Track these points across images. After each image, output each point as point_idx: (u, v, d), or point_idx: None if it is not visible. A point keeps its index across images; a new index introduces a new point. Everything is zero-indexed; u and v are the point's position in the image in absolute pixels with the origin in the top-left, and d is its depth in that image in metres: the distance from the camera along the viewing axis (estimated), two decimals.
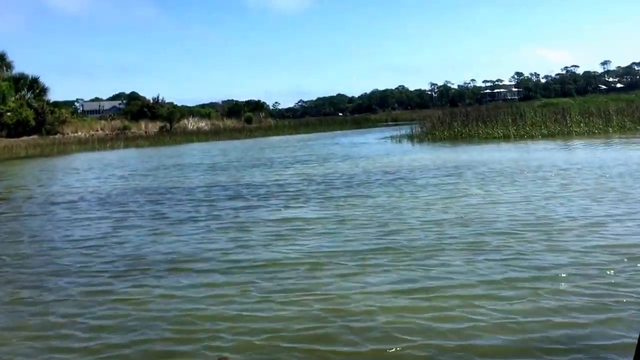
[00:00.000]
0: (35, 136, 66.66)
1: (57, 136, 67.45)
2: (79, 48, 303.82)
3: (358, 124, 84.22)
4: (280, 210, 13.94)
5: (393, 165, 23.33)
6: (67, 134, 69.31)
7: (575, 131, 35.60)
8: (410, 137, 42.13)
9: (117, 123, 77.38)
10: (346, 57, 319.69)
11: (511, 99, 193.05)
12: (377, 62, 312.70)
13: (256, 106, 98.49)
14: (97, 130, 73.56)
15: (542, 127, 37.34)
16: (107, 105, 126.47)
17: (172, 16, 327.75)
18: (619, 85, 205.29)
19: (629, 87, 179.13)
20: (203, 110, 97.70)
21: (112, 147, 59.75)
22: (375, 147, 36.25)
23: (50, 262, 9.91)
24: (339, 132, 71.64)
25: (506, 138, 35.86)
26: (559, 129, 36.40)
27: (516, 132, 36.93)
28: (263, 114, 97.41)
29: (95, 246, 10.96)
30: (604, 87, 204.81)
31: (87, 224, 13.57)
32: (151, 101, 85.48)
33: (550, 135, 35.09)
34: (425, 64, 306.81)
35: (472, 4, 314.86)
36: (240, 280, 8.20)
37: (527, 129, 37.46)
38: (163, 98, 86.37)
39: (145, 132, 75.23)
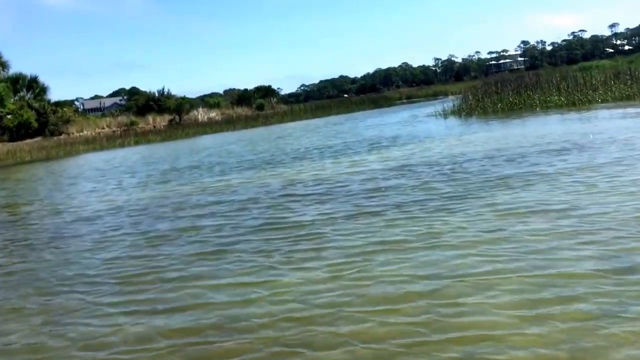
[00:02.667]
0: (38, 138, 62.51)
1: (61, 137, 63.28)
2: (71, 46, 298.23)
3: (376, 103, 79.83)
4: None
5: (486, 146, 18.32)
6: (72, 133, 65.14)
7: None
8: (456, 112, 37.80)
9: (124, 119, 73.12)
10: (347, 38, 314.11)
11: (517, 68, 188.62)
12: (378, 41, 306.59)
13: (267, 92, 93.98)
14: (103, 128, 69.34)
15: (608, 91, 33.13)
16: (108, 102, 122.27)
17: (163, 7, 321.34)
18: (627, 47, 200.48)
19: (637, 49, 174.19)
20: (212, 100, 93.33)
21: (122, 145, 55.72)
22: (427, 126, 31.85)
23: None
24: (358, 113, 67.46)
25: (571, 105, 31.69)
26: (628, 92, 32.11)
27: (583, 97, 32.69)
28: (275, 99, 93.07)
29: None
30: (611, 50, 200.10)
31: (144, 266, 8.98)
32: (157, 94, 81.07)
33: (627, 98, 30.84)
34: (428, 39, 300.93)
35: None
36: None
37: (591, 93, 33.24)
38: (169, 90, 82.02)
39: (154, 126, 71.04)
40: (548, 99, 33.70)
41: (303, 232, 9.51)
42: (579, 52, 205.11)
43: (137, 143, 56.60)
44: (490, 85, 41.97)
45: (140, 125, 70.18)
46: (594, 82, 34.82)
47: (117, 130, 67.15)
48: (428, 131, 27.78)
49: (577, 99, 32.43)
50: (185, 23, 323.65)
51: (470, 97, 40.42)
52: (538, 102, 34.03)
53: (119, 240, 10.75)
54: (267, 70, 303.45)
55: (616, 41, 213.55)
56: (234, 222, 11.05)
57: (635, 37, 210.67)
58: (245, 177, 18.18)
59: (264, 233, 9.81)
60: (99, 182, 22.66)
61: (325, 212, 10.87)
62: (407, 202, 10.87)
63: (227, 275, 7.70)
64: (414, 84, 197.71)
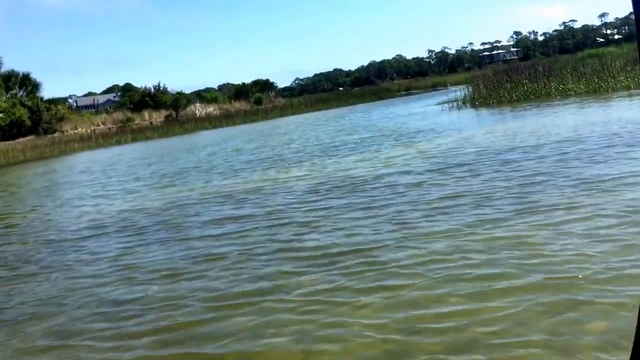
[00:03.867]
0: (32, 137, 60.69)
1: (55, 135, 61.50)
2: (63, 43, 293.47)
3: (377, 95, 78.33)
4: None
5: (525, 139, 16.50)
6: (67, 131, 63.25)
7: None
8: (469, 102, 36.38)
9: (119, 115, 71.20)
10: (340, 31, 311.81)
11: (510, 59, 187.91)
12: (372, 34, 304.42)
13: (265, 86, 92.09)
14: (99, 125, 67.45)
15: (629, 78, 31.79)
16: (102, 99, 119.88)
17: (155, 1, 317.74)
18: (617, 37, 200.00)
19: (627, 39, 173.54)
20: (209, 95, 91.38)
21: (119, 142, 54.23)
22: (448, 117, 30.33)
23: None
24: (360, 105, 66.03)
25: (592, 93, 30.34)
26: None
27: (604, 84, 31.31)
28: (273, 93, 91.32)
29: None
30: (602, 39, 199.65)
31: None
32: (152, 89, 79.19)
33: None
34: (422, 31, 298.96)
35: None
36: None
37: (612, 80, 31.88)
38: (165, 85, 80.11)
39: (150, 122, 69.22)
40: (568, 87, 32.33)
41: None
42: (571, 41, 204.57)
43: (134, 140, 55.10)
44: (502, 74, 40.66)
45: (136, 122, 68.37)
46: (612, 69, 33.46)
47: (113, 127, 65.38)
48: (454, 122, 26.27)
49: (599, 86, 31.05)
50: (177, 17, 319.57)
51: (481, 86, 39.00)
52: (555, 90, 32.69)
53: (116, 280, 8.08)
54: (260, 64, 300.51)
55: (606, 30, 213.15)
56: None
57: (624, 27, 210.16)
58: (307, 171, 16.73)
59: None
60: (94, 185, 20.81)
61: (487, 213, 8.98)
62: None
63: None
64: (409, 76, 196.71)
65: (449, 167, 13.27)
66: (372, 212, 9.75)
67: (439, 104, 40.47)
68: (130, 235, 10.85)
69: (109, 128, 65.28)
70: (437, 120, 28.18)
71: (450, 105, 36.62)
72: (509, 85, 35.35)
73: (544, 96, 32.33)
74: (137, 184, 19.22)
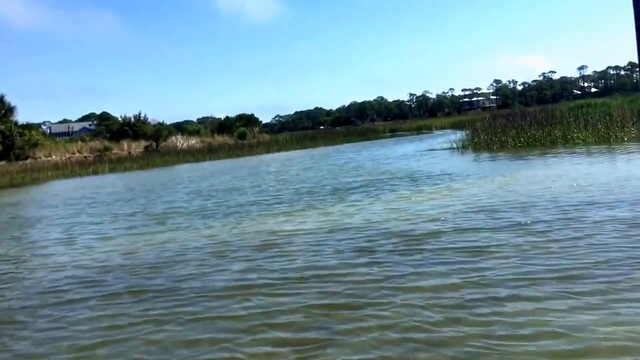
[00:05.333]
0: (3, 162, 57.83)
1: (28, 161, 58.74)
2: (38, 68, 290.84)
3: (364, 136, 76.72)
4: None
5: (564, 191, 14.45)
6: (40, 158, 60.55)
7: None
8: (470, 146, 34.75)
9: (96, 144, 68.74)
10: (322, 71, 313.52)
11: (489, 106, 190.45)
12: (354, 75, 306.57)
13: (249, 121, 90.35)
14: (74, 153, 64.83)
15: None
16: (77, 127, 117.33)
17: (137, 31, 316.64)
18: (593, 90, 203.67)
19: (603, 92, 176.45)
20: (191, 127, 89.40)
21: (96, 172, 51.37)
22: (452, 162, 28.31)
23: None
24: (347, 145, 64.22)
25: (602, 142, 28.94)
26: None
27: (615, 134, 30.05)
28: (257, 128, 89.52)
29: None
30: (578, 92, 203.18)
31: None
32: (132, 119, 76.93)
33: None
34: (404, 74, 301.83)
35: (446, 12, 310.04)
36: None
37: (619, 130, 30.70)
38: (146, 115, 77.96)
39: (129, 152, 66.83)
40: (575, 135, 30.97)
41: None
42: (549, 92, 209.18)
43: (112, 170, 52.46)
44: (501, 119, 39.52)
45: (114, 151, 65.93)
46: (619, 119, 32.32)
47: (90, 156, 62.85)
48: (461, 167, 24.15)
49: (608, 136, 29.77)
50: (156, 48, 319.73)
51: (480, 131, 37.52)
52: (562, 138, 31.38)
53: None
54: (240, 99, 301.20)
55: (584, 83, 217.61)
56: None
57: (601, 80, 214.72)
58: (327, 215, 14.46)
59: None
60: (62, 224, 17.60)
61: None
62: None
63: None
64: (389, 118, 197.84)
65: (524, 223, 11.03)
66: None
67: (430, 149, 38.69)
68: (91, 308, 8.10)
69: (85, 157, 62.73)
70: (440, 165, 26.02)
71: (451, 148, 35.01)
72: (513, 132, 33.88)
73: (548, 143, 30.94)
74: (112, 227, 15.95)
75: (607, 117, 32.96)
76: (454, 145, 35.76)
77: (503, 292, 6.79)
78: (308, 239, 11.14)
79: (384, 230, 11.23)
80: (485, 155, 29.49)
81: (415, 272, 8.08)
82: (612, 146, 26.49)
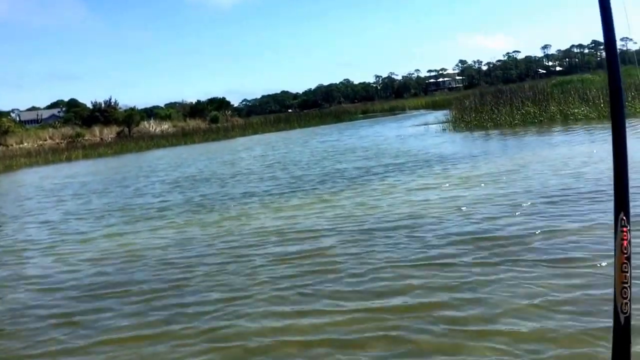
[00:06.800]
0: None
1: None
2: (5, 56, 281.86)
3: (338, 118, 76.11)
4: None
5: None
6: (12, 145, 58.49)
7: None
8: (459, 125, 34.21)
9: (68, 130, 66.73)
10: (288, 55, 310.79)
11: (456, 87, 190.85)
12: (320, 58, 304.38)
13: (221, 104, 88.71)
14: (46, 140, 62.88)
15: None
16: (46, 114, 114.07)
17: (103, 17, 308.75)
18: (558, 68, 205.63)
19: (567, 71, 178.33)
20: (163, 112, 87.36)
21: (69, 159, 49.92)
22: (450, 142, 27.82)
23: None
24: (323, 127, 63.39)
25: (604, 118, 28.52)
26: None
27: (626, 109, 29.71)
28: (229, 112, 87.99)
29: None
30: (543, 71, 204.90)
31: None
32: (103, 104, 74.80)
33: None
34: (369, 56, 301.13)
35: None
36: None
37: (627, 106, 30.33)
38: (116, 100, 75.84)
39: (101, 138, 65.03)
40: (575, 111, 30.53)
41: None
42: (514, 72, 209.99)
43: (86, 157, 51.08)
44: (489, 96, 39.16)
45: (86, 138, 64.06)
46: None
47: (62, 143, 60.97)
48: (463, 149, 23.39)
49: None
50: (123, 34, 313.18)
51: (469, 109, 37.06)
52: (560, 114, 30.97)
53: None
54: (207, 84, 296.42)
55: (548, 62, 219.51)
56: None
57: (565, 59, 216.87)
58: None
59: None
60: (33, 221, 15.94)
61: None
62: None
63: None
64: (356, 100, 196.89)
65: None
66: None
67: (414, 126, 38.16)
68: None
69: (58, 143, 60.86)
70: (438, 147, 25.26)
71: (443, 128, 34.41)
72: (507, 109, 33.45)
73: (546, 120, 30.50)
74: (87, 227, 13.90)
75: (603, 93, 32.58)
76: (444, 125, 35.14)
77: None
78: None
79: None
80: (483, 133, 28.97)
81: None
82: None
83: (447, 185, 13.87)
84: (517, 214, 9.67)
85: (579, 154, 16.56)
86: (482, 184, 13.30)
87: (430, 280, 6.74)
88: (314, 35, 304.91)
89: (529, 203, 10.44)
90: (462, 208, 10.65)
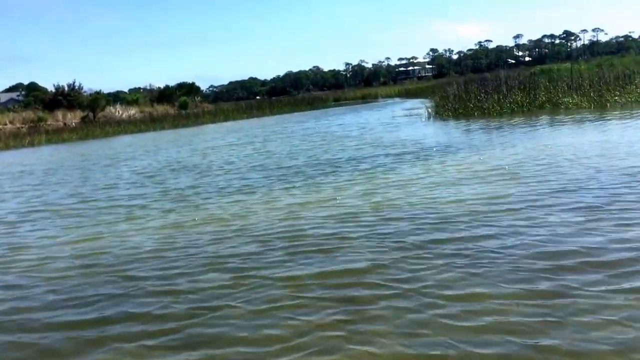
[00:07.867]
0: None
1: None
2: None
3: (311, 105, 74.40)
4: None
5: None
6: None
7: None
8: (449, 113, 32.72)
9: (30, 115, 63.78)
10: (256, 41, 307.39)
11: (425, 76, 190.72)
12: (289, 44, 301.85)
13: (190, 90, 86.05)
14: (6, 124, 59.90)
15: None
16: (3, 98, 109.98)
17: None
18: (527, 58, 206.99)
19: (537, 61, 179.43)
20: (130, 97, 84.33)
21: (32, 144, 47.47)
22: (439, 132, 26.34)
23: None
24: (295, 114, 61.51)
25: (599, 107, 27.31)
26: None
27: (612, 99, 28.65)
28: (199, 98, 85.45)
29: None
30: (513, 61, 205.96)
31: None
32: (66, 88, 71.73)
33: None
34: (339, 44, 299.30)
35: None
36: None
37: (618, 94, 29.34)
38: (80, 84, 72.81)
39: (64, 123, 62.30)
40: (566, 100, 29.42)
41: None
42: (484, 61, 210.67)
43: (49, 142, 48.68)
44: (473, 84, 37.93)
45: (49, 122, 61.28)
46: (610, 82, 30.99)
47: (23, 127, 58.12)
48: (455, 139, 21.66)
49: (605, 100, 28.29)
50: (84, 16, 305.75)
51: (452, 97, 35.56)
52: (549, 103, 29.86)
53: None
54: (174, 70, 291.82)
55: (518, 52, 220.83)
56: None
57: (535, 49, 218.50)
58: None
59: None
60: None
61: None
62: None
63: None
64: (325, 88, 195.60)
65: None
66: None
67: (403, 115, 36.74)
68: None
69: (19, 128, 57.98)
70: (432, 137, 23.83)
71: (428, 116, 32.92)
72: (494, 97, 32.09)
73: (536, 109, 29.31)
74: (52, 228, 11.41)
75: (598, 80, 31.62)
76: (427, 113, 33.64)
77: None
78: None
79: None
80: (468, 123, 27.32)
81: None
82: (615, 112, 24.89)
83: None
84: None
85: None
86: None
87: None
88: (284, 21, 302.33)
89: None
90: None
